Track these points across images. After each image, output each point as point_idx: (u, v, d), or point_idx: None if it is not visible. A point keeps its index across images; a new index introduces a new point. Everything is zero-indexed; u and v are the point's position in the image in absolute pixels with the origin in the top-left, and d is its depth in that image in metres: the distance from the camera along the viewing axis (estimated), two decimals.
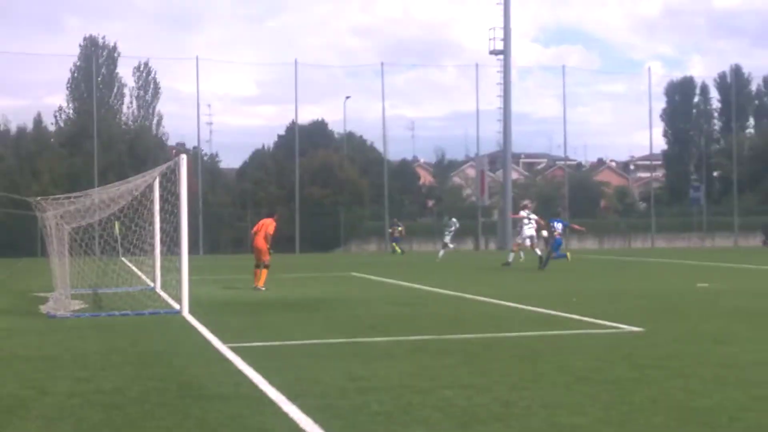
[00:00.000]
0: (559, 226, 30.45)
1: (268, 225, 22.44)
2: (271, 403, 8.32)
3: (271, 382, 9.28)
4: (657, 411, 7.73)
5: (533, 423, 7.40)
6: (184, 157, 17.08)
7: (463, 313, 16.31)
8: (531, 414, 7.71)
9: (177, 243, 17.57)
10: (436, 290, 21.78)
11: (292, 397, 8.47)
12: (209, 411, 7.99)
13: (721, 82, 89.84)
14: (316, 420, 7.52)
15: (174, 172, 18.10)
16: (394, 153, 68.75)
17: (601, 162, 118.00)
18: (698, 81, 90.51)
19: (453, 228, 43.17)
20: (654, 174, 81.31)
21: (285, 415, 7.80)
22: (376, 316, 15.85)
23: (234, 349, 11.68)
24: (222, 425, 7.46)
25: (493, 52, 61.28)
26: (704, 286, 22.17)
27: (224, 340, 12.56)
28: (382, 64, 63.96)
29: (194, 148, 64.13)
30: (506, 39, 61.07)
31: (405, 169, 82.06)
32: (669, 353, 10.95)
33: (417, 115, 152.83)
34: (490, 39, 61.11)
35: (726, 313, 15.75)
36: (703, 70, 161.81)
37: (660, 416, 7.53)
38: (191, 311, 16.43)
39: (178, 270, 17.11)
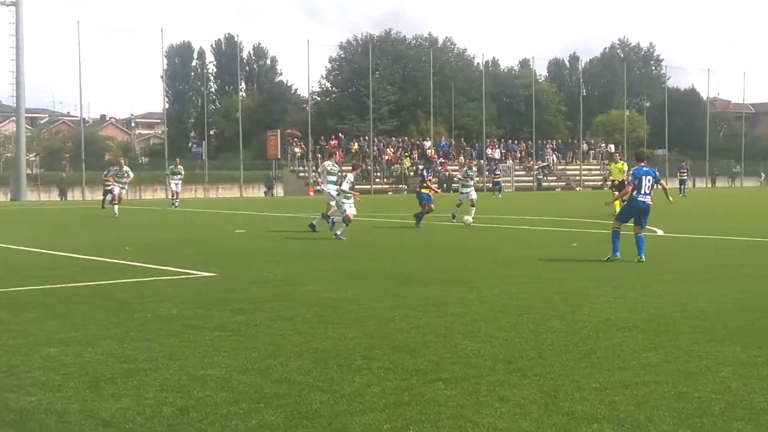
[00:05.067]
0: None
1: None
2: None
3: None
4: (287, 355, 7.06)
5: (169, 376, 6.35)
6: None
7: (16, 264, 14.23)
8: (161, 368, 6.65)
9: None
10: None
11: None
12: None
13: (217, 48, 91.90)
14: None
15: None
16: None
17: (104, 118, 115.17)
18: (196, 46, 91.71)
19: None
20: (155, 131, 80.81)
21: None
22: None
23: None
24: None
25: (3, 3, 56.03)
26: (242, 232, 21.78)
27: None
28: None
29: None
30: None
31: None
32: (255, 296, 10.31)
33: None
34: None
35: (287, 256, 15.31)
36: (197, 37, 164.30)
37: (295, 360, 6.86)
38: None
39: None
